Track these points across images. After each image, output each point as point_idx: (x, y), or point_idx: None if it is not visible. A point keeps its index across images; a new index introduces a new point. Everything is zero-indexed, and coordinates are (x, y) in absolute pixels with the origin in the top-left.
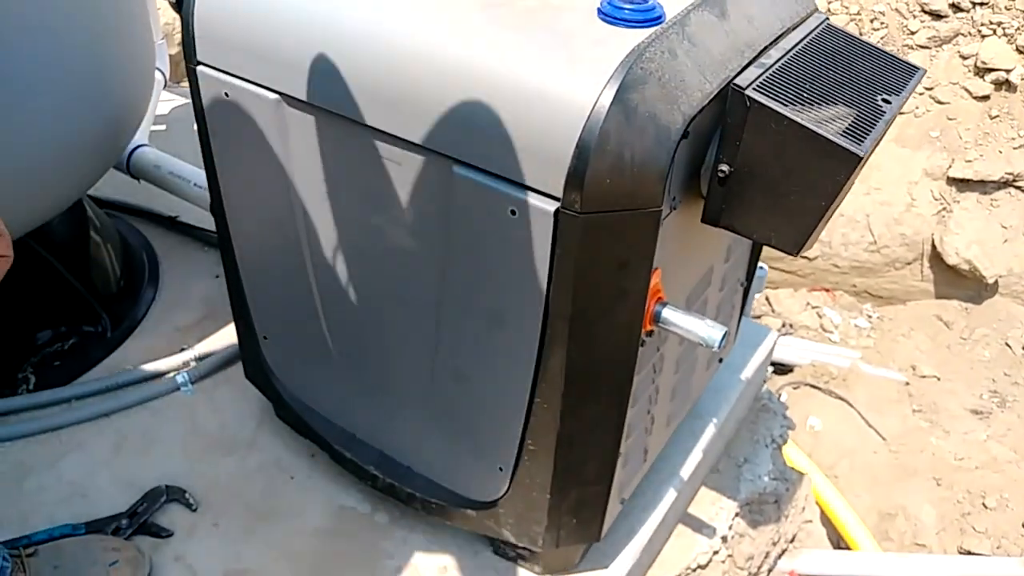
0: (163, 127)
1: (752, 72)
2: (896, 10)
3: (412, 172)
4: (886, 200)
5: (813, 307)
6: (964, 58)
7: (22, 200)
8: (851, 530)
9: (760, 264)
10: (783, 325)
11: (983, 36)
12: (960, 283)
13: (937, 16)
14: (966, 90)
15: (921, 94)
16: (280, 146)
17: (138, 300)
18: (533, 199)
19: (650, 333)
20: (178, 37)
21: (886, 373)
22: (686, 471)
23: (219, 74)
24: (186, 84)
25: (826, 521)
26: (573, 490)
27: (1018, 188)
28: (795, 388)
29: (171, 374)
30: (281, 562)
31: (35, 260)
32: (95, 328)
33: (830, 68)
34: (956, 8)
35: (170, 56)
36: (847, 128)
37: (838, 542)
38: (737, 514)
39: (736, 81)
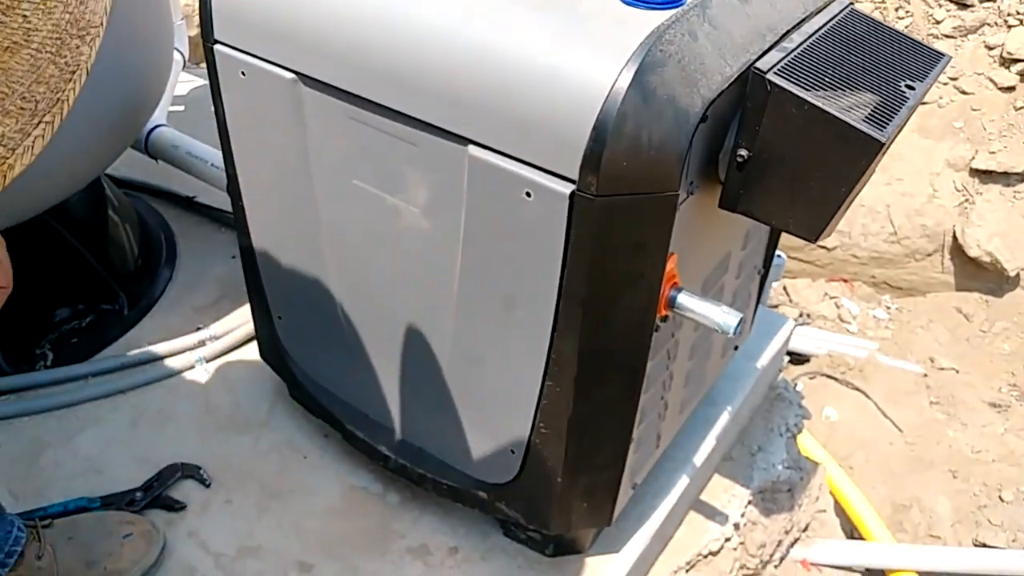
0: (182, 108)
1: (773, 56)
2: None
3: (427, 153)
4: (907, 191)
5: (831, 297)
6: (990, 48)
7: (41, 178)
8: (865, 520)
9: (778, 253)
10: (800, 315)
11: (1010, 27)
12: (981, 275)
13: (963, 5)
14: (991, 80)
15: (945, 84)
16: (296, 126)
17: (155, 279)
18: (548, 181)
19: (665, 318)
20: (197, 18)
21: (904, 365)
22: (699, 458)
23: (236, 53)
24: (205, 65)
25: (840, 511)
26: (585, 474)
27: None
28: (811, 378)
29: (187, 353)
30: (293, 540)
31: (54, 238)
32: (112, 306)
33: (853, 53)
34: None
35: (189, 37)
36: (869, 114)
37: (852, 532)
38: (750, 502)
39: (757, 65)
